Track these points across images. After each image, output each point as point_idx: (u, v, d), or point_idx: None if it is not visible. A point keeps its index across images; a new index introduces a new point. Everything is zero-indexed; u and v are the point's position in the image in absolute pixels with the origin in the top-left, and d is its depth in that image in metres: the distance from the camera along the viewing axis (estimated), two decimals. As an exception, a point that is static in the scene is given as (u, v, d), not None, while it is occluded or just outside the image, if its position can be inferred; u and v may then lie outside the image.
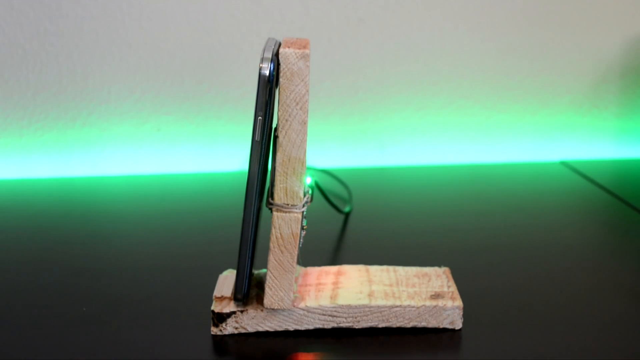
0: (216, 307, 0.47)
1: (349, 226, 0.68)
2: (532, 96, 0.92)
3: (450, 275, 0.52)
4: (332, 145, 0.89)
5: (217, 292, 0.47)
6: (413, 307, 0.47)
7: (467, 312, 0.50)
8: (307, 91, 0.43)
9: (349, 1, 0.85)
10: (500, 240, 0.64)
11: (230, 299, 0.47)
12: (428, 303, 0.48)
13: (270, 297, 0.46)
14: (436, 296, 0.48)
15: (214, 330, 0.47)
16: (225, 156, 0.87)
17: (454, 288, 0.50)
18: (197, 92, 0.85)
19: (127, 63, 0.83)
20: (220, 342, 0.46)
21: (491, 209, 0.74)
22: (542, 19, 0.90)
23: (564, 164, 0.91)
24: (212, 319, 0.46)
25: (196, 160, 0.87)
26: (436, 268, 0.53)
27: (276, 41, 0.44)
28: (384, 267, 0.53)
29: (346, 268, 0.52)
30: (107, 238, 0.64)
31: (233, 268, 0.50)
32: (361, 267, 0.53)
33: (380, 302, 0.47)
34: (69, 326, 0.47)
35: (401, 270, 0.52)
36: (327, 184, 0.76)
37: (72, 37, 0.81)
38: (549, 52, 0.91)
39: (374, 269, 0.52)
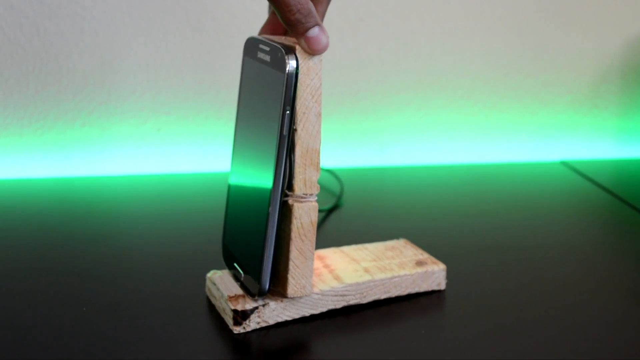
0: (237, 306, 0.47)
1: (349, 226, 0.68)
2: (532, 96, 0.92)
3: (413, 245, 0.57)
4: (332, 145, 0.89)
5: (225, 292, 0.48)
6: (408, 275, 0.52)
7: (467, 312, 0.50)
8: (321, 84, 0.44)
9: (349, 1, 0.85)
10: (500, 240, 0.64)
11: (242, 296, 0.47)
12: (420, 270, 0.52)
13: (294, 286, 0.47)
14: (421, 263, 0.54)
15: (237, 329, 0.47)
16: (226, 156, 0.87)
17: (427, 254, 0.56)
18: (197, 92, 0.85)
19: (127, 63, 0.83)
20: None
21: (491, 209, 0.74)
22: (542, 18, 0.90)
23: (564, 164, 0.91)
24: (235, 318, 0.46)
25: (196, 160, 0.87)
26: (395, 240, 0.58)
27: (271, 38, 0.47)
28: (355, 247, 0.56)
29: (322, 252, 0.55)
30: (107, 238, 0.64)
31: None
32: (335, 249, 0.55)
33: (381, 275, 0.51)
34: (69, 326, 0.47)
35: (370, 246, 0.57)
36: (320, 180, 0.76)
37: (72, 37, 0.81)
38: (549, 51, 0.91)
39: (348, 249, 0.56)
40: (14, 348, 0.45)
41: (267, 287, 0.46)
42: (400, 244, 0.58)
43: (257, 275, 0.46)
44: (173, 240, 0.63)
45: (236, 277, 0.49)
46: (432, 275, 0.53)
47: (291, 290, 0.47)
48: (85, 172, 0.85)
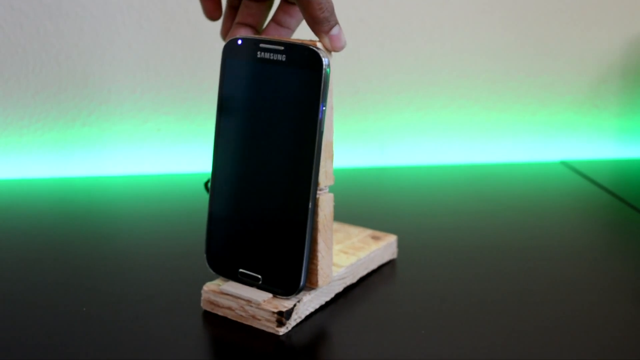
0: (279, 307, 0.46)
1: (348, 226, 0.68)
2: (532, 96, 0.92)
3: (345, 223, 0.61)
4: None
5: (258, 297, 0.47)
6: (378, 249, 0.56)
7: (467, 312, 0.50)
8: (331, 79, 0.46)
9: (349, 1, 0.85)
10: (500, 240, 0.64)
11: (273, 298, 0.47)
12: (383, 243, 0.57)
13: (322, 276, 0.48)
14: (377, 237, 0.58)
15: (282, 330, 0.46)
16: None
17: (368, 229, 0.60)
18: (197, 92, 0.85)
19: (127, 63, 0.83)
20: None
21: (491, 209, 0.74)
22: (542, 18, 0.90)
23: (564, 164, 0.91)
24: (279, 320, 0.46)
25: (196, 160, 0.87)
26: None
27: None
28: None
29: None
30: (107, 238, 0.64)
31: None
32: None
33: (362, 254, 0.55)
34: (69, 326, 0.47)
35: None
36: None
37: (72, 37, 0.81)
38: (549, 52, 0.91)
39: None
40: (14, 348, 0.45)
41: (304, 282, 0.46)
42: (335, 225, 0.60)
43: (294, 273, 0.46)
44: (173, 240, 0.63)
45: (247, 283, 0.48)
46: (391, 246, 0.58)
47: (321, 280, 0.48)
48: (85, 172, 0.85)
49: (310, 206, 0.45)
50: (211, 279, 0.51)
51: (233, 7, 0.52)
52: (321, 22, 0.45)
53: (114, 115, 0.84)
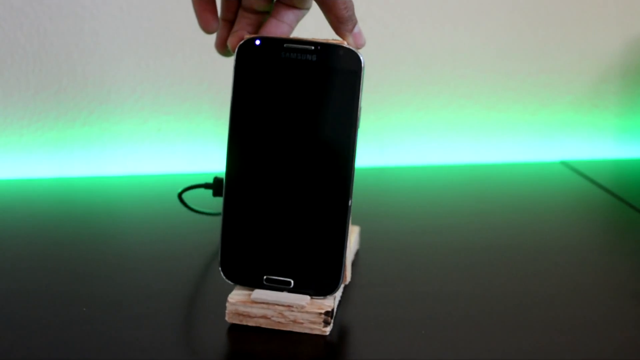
0: (323, 307, 0.46)
1: (349, 226, 0.68)
2: (532, 96, 0.92)
3: None
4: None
5: (300, 301, 0.46)
6: (355, 240, 0.58)
7: (466, 313, 0.50)
8: None
9: (349, 1, 0.85)
10: (500, 240, 0.64)
11: (311, 299, 0.47)
12: (355, 235, 0.58)
13: (349, 271, 0.49)
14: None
15: (328, 329, 0.46)
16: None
17: None
18: (197, 92, 0.85)
19: (127, 63, 0.83)
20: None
21: (491, 209, 0.74)
22: (542, 19, 0.90)
23: (564, 164, 0.91)
24: (326, 320, 0.46)
25: (196, 160, 0.87)
26: None
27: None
28: None
29: None
30: (107, 238, 0.64)
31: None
32: None
33: (349, 245, 0.54)
34: (69, 326, 0.47)
35: None
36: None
37: (72, 37, 0.81)
38: (549, 52, 0.91)
39: None
40: (14, 348, 0.45)
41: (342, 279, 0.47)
42: None
43: (334, 271, 0.46)
44: (173, 241, 0.63)
45: (276, 289, 0.47)
46: (358, 236, 0.60)
47: (348, 275, 0.49)
48: (85, 172, 0.85)
49: (349, 203, 0.45)
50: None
51: (227, 20, 0.52)
52: (346, 21, 0.45)
53: (114, 115, 0.84)
